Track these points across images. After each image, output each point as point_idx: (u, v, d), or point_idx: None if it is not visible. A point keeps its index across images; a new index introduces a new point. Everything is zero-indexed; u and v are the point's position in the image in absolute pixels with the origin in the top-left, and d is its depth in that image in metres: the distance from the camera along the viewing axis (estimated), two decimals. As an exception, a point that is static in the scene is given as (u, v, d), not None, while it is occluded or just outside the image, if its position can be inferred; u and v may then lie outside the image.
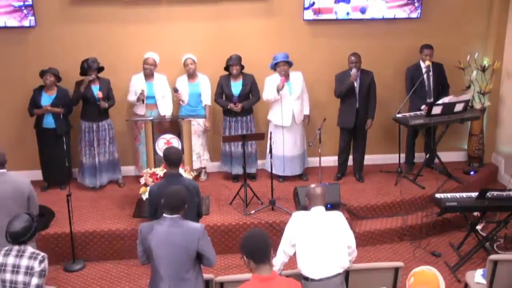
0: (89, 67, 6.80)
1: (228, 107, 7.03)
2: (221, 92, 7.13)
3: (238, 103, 6.99)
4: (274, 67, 6.93)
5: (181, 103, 7.10)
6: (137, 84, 7.03)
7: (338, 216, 4.48)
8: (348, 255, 4.42)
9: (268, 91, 6.97)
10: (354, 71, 6.91)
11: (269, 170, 6.71)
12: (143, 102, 7.03)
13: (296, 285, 3.67)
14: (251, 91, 7.11)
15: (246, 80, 7.07)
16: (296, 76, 7.05)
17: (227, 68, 7.03)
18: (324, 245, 4.31)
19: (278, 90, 6.81)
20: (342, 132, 7.27)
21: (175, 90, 6.99)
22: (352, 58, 6.94)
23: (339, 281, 4.37)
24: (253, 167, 7.36)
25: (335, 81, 7.09)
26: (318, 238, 4.32)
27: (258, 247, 3.47)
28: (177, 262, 3.99)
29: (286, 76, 6.92)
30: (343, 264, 4.38)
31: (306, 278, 4.33)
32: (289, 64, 6.90)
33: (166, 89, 7.14)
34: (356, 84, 6.98)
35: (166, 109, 7.09)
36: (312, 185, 4.52)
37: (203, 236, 4.03)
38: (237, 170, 7.20)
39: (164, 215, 4.05)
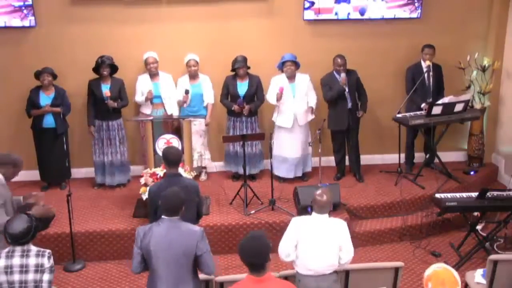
0: (102, 62, 6.81)
1: (233, 108, 7.01)
2: (227, 93, 7.12)
3: (245, 105, 6.95)
4: (282, 66, 6.93)
5: (184, 105, 7.07)
6: (143, 84, 7.04)
7: (340, 225, 4.37)
8: (340, 258, 4.34)
9: (271, 93, 6.98)
10: (343, 75, 6.87)
11: (271, 171, 6.74)
12: (151, 102, 7.03)
13: (290, 287, 3.65)
14: (256, 92, 7.09)
15: (252, 81, 7.06)
16: (301, 79, 7.03)
17: (233, 70, 7.02)
18: (320, 253, 4.28)
19: (277, 99, 6.83)
20: (334, 134, 7.24)
21: (186, 92, 6.95)
22: (339, 61, 6.90)
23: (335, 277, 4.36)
24: (257, 167, 7.35)
25: (321, 85, 7.06)
26: (317, 244, 4.28)
27: (256, 263, 3.46)
28: (176, 264, 3.96)
29: (292, 77, 6.93)
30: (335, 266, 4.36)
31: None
32: (296, 64, 6.90)
33: (172, 88, 7.13)
34: (346, 87, 6.95)
35: (172, 108, 7.09)
36: (318, 191, 4.35)
37: (201, 239, 3.99)
38: (242, 170, 7.06)
39: (163, 216, 4.04)
